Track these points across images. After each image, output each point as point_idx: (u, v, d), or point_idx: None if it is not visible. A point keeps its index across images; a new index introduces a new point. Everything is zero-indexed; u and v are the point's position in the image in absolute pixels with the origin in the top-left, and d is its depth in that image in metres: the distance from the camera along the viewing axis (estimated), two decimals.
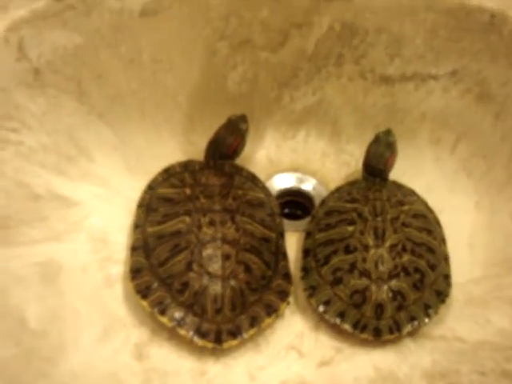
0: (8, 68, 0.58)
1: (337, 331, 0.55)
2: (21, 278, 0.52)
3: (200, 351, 0.53)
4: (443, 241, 0.60)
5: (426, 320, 0.54)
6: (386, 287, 0.54)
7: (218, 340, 0.52)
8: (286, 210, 0.68)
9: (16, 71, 0.58)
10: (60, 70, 0.60)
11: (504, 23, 0.62)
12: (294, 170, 0.69)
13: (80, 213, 0.59)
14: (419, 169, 0.67)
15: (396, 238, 0.57)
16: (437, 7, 0.63)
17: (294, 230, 0.64)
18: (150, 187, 0.62)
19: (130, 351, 0.52)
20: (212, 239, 0.55)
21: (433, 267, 0.56)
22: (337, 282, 0.56)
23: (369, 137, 0.64)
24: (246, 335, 0.53)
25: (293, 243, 0.63)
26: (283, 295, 0.56)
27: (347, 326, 0.54)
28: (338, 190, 0.65)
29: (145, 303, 0.53)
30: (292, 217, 0.67)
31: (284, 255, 0.60)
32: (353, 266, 0.56)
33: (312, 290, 0.57)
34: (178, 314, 0.52)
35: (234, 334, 0.52)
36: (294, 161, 0.69)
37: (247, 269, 0.55)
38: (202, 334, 0.52)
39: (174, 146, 0.67)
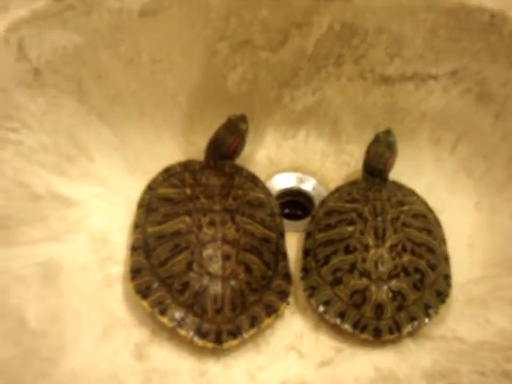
0: (8, 68, 0.58)
1: (337, 331, 0.55)
2: (21, 277, 0.52)
3: (200, 351, 0.53)
4: (443, 241, 0.60)
5: (426, 320, 0.54)
6: (385, 287, 0.54)
7: (218, 340, 0.52)
8: (286, 210, 0.68)
9: (16, 71, 0.58)
10: (60, 70, 0.60)
11: (504, 23, 0.62)
12: (294, 170, 0.69)
13: (80, 213, 0.59)
14: (419, 169, 0.67)
15: (396, 238, 0.57)
16: (437, 7, 0.63)
17: (294, 230, 0.64)
18: (150, 187, 0.62)
19: (130, 351, 0.52)
20: (212, 239, 0.55)
21: (433, 267, 0.56)
22: (337, 282, 0.56)
23: (369, 137, 0.64)
24: (246, 335, 0.53)
25: (293, 243, 0.63)
26: (283, 295, 0.56)
27: (347, 327, 0.54)
28: (338, 190, 0.65)
29: (145, 303, 0.53)
30: (292, 217, 0.67)
31: (284, 255, 0.60)
32: (353, 267, 0.56)
33: (312, 291, 0.57)
34: (178, 314, 0.52)
35: (234, 334, 0.52)
36: (294, 161, 0.69)
37: (247, 269, 0.55)
38: (203, 334, 0.52)
39: (174, 146, 0.67)
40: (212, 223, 0.56)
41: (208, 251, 0.55)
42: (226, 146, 0.63)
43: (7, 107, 0.57)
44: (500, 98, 0.64)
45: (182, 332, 0.52)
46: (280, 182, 0.69)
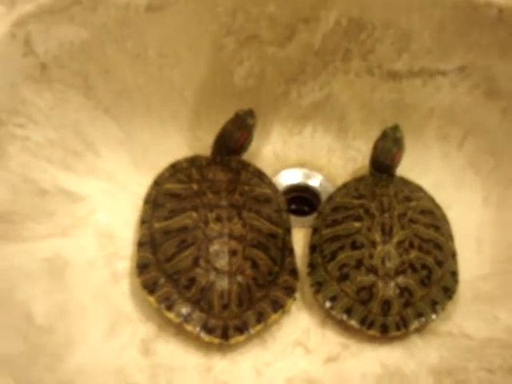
0: (15, 63, 0.58)
1: (343, 327, 0.55)
2: (27, 273, 0.52)
3: (207, 347, 0.53)
4: (451, 237, 0.60)
5: (433, 316, 0.54)
6: (392, 284, 0.54)
7: (225, 336, 0.52)
8: (293, 206, 0.68)
9: (23, 66, 0.58)
10: (67, 65, 0.60)
11: None
12: (301, 165, 0.69)
13: (86, 208, 0.59)
14: (426, 165, 0.67)
15: (403, 235, 0.56)
16: (444, 2, 0.63)
17: (300, 226, 0.64)
18: (157, 183, 0.61)
19: (137, 347, 0.52)
20: (219, 235, 0.55)
21: (440, 263, 0.56)
22: (343, 277, 0.56)
23: (376, 133, 0.64)
24: (252, 331, 0.53)
25: (299, 239, 0.63)
26: (290, 291, 0.56)
27: (354, 323, 0.54)
28: (345, 185, 0.64)
29: (151, 299, 0.53)
30: (299, 213, 0.67)
31: (291, 251, 0.59)
32: (359, 262, 0.56)
33: (318, 286, 0.57)
34: (184, 310, 0.52)
35: (240, 329, 0.52)
36: (301, 156, 0.69)
37: (254, 265, 0.55)
38: (209, 330, 0.52)
39: (181, 142, 0.67)
40: (219, 219, 0.56)
41: (215, 247, 0.54)
42: (233, 141, 0.63)
43: (14, 102, 0.57)
44: (508, 94, 0.64)
45: (189, 327, 0.52)
46: (286, 178, 0.68)
